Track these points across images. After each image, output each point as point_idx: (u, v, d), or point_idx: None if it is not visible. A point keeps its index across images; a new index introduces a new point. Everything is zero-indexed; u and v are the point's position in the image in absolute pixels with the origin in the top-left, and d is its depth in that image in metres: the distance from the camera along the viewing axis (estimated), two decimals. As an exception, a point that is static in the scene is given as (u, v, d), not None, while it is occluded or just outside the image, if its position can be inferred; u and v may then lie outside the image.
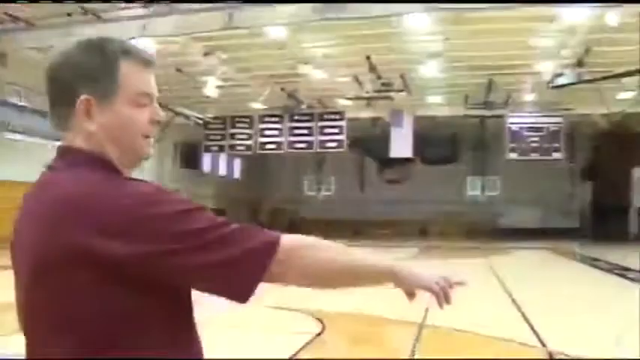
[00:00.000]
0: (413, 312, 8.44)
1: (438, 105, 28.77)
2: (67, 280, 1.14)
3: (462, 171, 35.25)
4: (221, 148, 30.96)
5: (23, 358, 1.30)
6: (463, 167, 35.41)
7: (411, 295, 1.50)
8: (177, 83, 23.47)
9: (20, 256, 1.25)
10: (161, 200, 1.16)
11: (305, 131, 29.10)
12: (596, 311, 9.32)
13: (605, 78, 20.95)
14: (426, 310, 8.70)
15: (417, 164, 36.02)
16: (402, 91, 24.49)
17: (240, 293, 1.19)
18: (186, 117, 26.29)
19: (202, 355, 1.34)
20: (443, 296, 1.48)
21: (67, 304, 1.15)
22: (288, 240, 1.23)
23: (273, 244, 1.20)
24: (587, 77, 20.77)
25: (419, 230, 40.05)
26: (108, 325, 1.16)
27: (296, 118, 28.87)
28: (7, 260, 1.32)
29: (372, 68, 22.13)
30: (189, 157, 34.61)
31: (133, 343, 1.18)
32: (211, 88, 23.00)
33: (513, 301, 9.98)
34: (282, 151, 29.88)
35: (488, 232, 39.26)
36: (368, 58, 21.18)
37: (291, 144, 29.03)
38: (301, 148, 29.42)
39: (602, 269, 16.30)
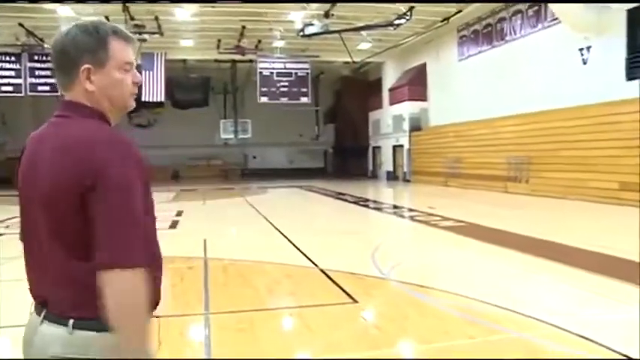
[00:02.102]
0: (193, 249, 8.92)
1: (190, 49, 28.70)
2: (74, 200, 1.51)
3: (213, 114, 35.79)
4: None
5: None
6: (215, 111, 35.96)
7: None
8: None
9: (37, 182, 1.59)
10: (132, 164, 1.55)
11: (48, 72, 26.95)
12: (351, 235, 10.67)
13: (348, 30, 22.89)
14: (205, 245, 9.24)
15: (166, 108, 35.64)
16: (155, 33, 23.97)
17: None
18: None
19: None
20: None
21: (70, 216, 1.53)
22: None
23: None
24: (332, 28, 22.47)
25: (171, 174, 39.94)
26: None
27: (37, 58, 26.63)
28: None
29: (125, 9, 21.32)
30: None
31: None
32: None
33: (278, 231, 10.95)
34: (21, 94, 27.38)
35: (240, 173, 40.78)
36: (121, -3, 20.36)
37: (32, 87, 26.81)
38: (44, 91, 27.28)
39: (348, 201, 18.29)
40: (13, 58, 26.74)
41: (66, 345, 1.52)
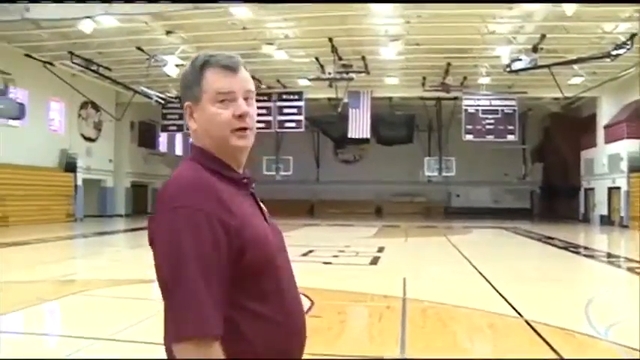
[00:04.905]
0: (392, 287, 8.87)
1: (395, 86, 29.20)
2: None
3: (417, 152, 35.88)
4: (179, 128, 30.67)
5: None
6: (419, 148, 36.04)
7: None
8: (138, 62, 23.25)
9: None
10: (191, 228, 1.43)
11: (264, 111, 29.12)
12: (560, 284, 9.92)
13: (558, 64, 21.69)
14: (404, 284, 9.16)
15: (371, 145, 36.50)
16: (362, 72, 24.78)
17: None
18: (147, 96, 25.96)
19: None
20: None
21: None
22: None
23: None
24: (541, 63, 21.44)
25: (375, 210, 40.68)
26: None
27: (255, 98, 28.83)
28: None
29: (334, 49, 22.35)
30: (147, 136, 34.26)
31: None
32: (172, 66, 22.80)
33: (481, 274, 10.51)
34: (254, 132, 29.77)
35: (443, 211, 40.25)
36: (330, 40, 21.38)
37: (251, 124, 28.95)
38: (260, 128, 29.34)
39: (557, 246, 17.11)
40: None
41: None
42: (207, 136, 1.58)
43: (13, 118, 22.52)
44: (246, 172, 1.67)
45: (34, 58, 23.07)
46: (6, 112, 21.82)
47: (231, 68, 1.59)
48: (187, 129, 1.66)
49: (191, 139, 1.66)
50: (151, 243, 1.49)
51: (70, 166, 26.75)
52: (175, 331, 1.39)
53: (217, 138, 1.57)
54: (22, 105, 22.67)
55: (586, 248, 17.56)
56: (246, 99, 1.61)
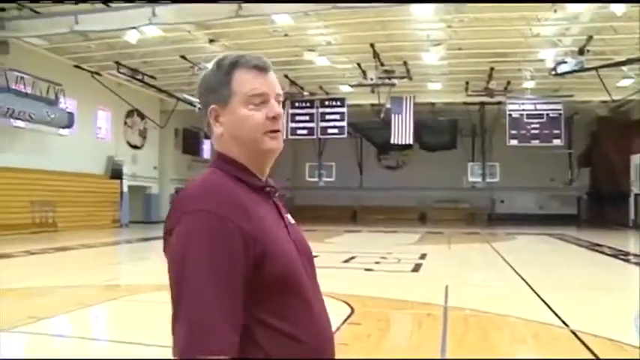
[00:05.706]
0: (434, 295, 8.75)
1: (438, 92, 28.93)
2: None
3: (461, 157, 35.40)
4: (223, 135, 31.01)
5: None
6: (462, 154, 35.57)
7: None
8: (182, 70, 23.64)
9: None
10: (205, 241, 1.34)
11: (306, 118, 29.19)
12: (609, 292, 9.62)
13: (606, 66, 21.13)
14: (446, 292, 9.02)
15: (414, 150, 36.22)
16: (404, 77, 24.64)
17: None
18: (191, 103, 26.35)
19: None
20: None
21: None
22: None
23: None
24: (588, 65, 20.92)
25: (418, 216, 40.35)
26: None
27: (297, 104, 29.00)
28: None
29: (376, 55, 22.28)
30: (191, 143, 34.76)
31: None
32: (215, 74, 23.06)
33: (525, 282, 10.28)
34: (283, 138, 29.86)
35: (487, 218, 39.63)
36: (372, 45, 21.33)
37: (292, 130, 29.05)
38: (303, 135, 29.52)
39: (605, 254, 16.63)
40: (278, 105, 29.54)
41: None
42: (235, 140, 1.52)
43: (63, 127, 23.17)
44: (269, 181, 1.61)
45: (83, 69, 23.69)
46: (57, 121, 22.44)
47: (262, 68, 1.54)
48: (209, 134, 1.61)
49: (215, 146, 1.59)
50: (165, 250, 1.45)
51: (116, 173, 27.35)
52: (179, 346, 1.29)
53: (247, 141, 1.51)
54: (71, 114, 23.31)
55: (636, 256, 16.99)
56: (277, 102, 1.56)
